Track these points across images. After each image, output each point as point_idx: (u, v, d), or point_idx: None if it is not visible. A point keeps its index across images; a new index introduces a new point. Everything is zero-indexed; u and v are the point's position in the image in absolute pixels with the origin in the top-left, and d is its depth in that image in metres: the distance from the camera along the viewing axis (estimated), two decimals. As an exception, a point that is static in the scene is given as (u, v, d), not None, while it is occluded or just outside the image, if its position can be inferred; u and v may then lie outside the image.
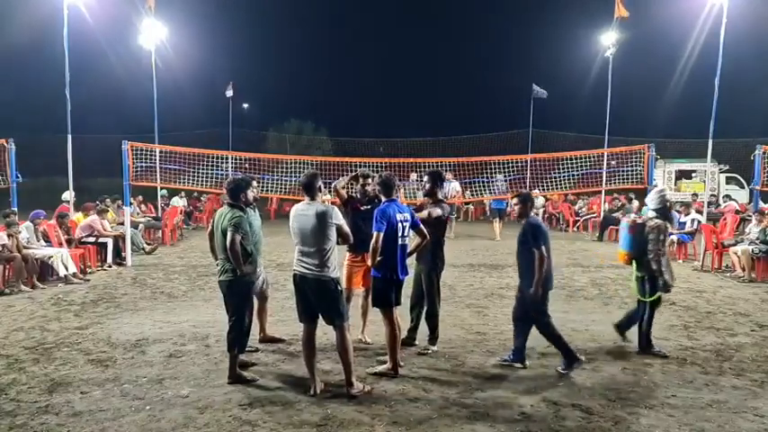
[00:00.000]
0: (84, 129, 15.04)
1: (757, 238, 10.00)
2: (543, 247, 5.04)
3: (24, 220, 9.76)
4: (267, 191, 14.78)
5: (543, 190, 16.62)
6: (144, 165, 13.87)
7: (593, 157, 15.89)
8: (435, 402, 4.52)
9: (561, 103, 32.31)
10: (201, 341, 6.05)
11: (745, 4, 13.38)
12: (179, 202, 18.11)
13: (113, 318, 7.07)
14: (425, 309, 5.77)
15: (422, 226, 5.25)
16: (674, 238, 11.63)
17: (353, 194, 6.16)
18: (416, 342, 5.86)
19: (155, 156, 14.75)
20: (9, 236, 8.82)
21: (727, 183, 21.81)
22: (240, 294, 4.97)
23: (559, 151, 16.85)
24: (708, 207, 13.11)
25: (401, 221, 5.02)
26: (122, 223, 11.64)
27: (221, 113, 27.16)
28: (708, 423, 4.20)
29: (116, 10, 16.72)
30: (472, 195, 17.12)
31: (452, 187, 15.86)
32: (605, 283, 9.43)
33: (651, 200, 5.88)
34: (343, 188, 6.11)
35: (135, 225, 12.68)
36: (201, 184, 14.58)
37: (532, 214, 5.38)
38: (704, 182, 17.09)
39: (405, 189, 16.26)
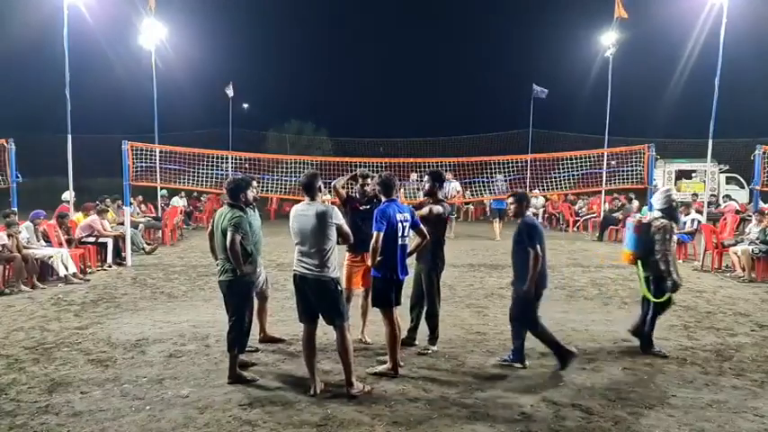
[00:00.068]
0: (84, 129, 14.99)
1: (757, 238, 10.00)
2: (538, 247, 5.05)
3: (24, 220, 9.76)
4: (267, 191, 14.79)
5: (543, 190, 16.64)
6: (144, 165, 13.88)
7: (594, 157, 15.89)
8: (435, 402, 4.52)
9: (561, 103, 32.31)
10: (201, 341, 6.05)
11: (745, 4, 13.38)
12: (179, 202, 18.11)
13: (113, 318, 7.08)
14: (425, 309, 5.77)
15: (422, 226, 5.25)
16: (675, 237, 11.60)
17: (353, 194, 6.17)
18: (416, 342, 5.86)
19: (155, 156, 14.76)
20: (9, 236, 8.82)
21: (727, 183, 21.79)
22: (240, 294, 4.97)
23: (559, 151, 16.83)
24: (708, 207, 13.11)
25: (401, 221, 5.03)
26: (122, 223, 11.64)
27: (221, 113, 27.13)
28: (708, 423, 4.20)
29: (116, 10, 16.75)
30: (472, 195, 17.11)
31: (453, 187, 15.88)
32: (605, 283, 9.43)
33: (657, 200, 5.87)
34: (343, 187, 6.12)
35: (135, 225, 12.68)
36: (201, 184, 14.60)
37: (528, 213, 5.38)
38: (704, 182, 17.07)
39: (405, 189, 16.26)
